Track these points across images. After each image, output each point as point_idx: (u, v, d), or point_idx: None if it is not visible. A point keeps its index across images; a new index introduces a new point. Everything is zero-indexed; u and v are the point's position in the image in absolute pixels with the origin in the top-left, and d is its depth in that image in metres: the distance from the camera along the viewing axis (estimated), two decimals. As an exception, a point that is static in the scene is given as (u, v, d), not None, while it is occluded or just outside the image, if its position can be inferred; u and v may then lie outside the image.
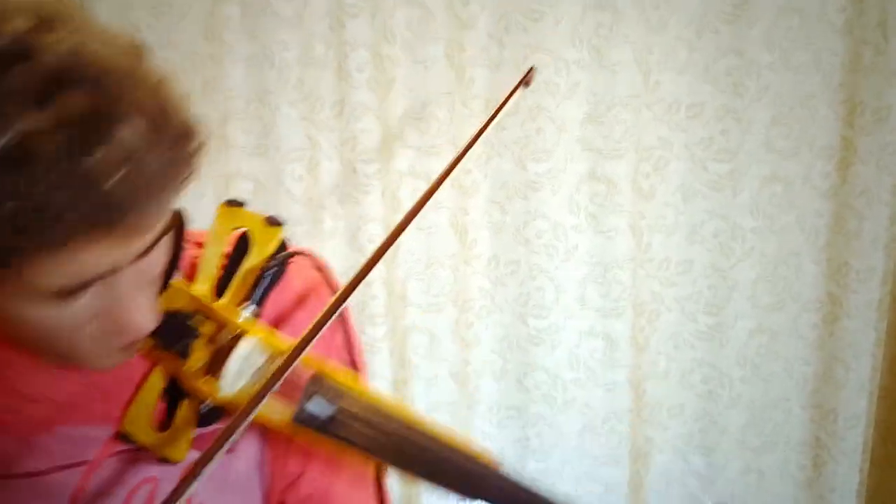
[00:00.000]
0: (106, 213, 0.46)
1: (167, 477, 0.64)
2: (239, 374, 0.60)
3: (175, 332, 0.61)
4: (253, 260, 0.62)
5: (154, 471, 0.64)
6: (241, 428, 0.52)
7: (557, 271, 1.25)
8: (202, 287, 0.61)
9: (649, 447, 1.29)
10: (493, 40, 1.16)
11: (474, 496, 0.59)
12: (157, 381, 0.63)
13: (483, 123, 0.63)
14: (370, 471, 0.71)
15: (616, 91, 1.19)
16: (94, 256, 0.49)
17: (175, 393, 0.62)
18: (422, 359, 1.29)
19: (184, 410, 0.62)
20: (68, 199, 0.45)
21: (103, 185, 0.45)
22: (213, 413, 0.61)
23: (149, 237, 0.52)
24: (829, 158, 1.26)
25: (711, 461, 1.30)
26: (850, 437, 1.30)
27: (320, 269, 0.67)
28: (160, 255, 0.57)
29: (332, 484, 0.67)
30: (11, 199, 0.44)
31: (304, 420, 0.59)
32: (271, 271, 0.62)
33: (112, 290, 0.54)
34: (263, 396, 0.53)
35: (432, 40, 1.16)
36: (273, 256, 0.62)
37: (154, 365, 0.63)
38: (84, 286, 0.52)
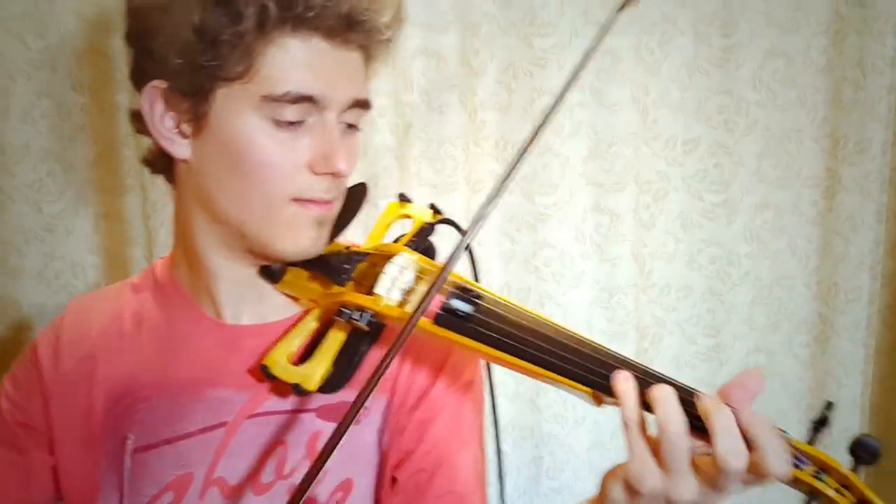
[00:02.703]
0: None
1: (295, 442, 0.71)
2: (392, 285, 0.68)
3: (335, 264, 0.72)
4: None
5: (285, 435, 0.71)
6: (406, 334, 0.55)
7: (565, 297, 1.32)
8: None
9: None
10: (502, 86, 1.25)
11: (607, 389, 0.59)
12: (310, 321, 0.73)
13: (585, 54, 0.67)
14: (477, 449, 0.74)
15: (616, 129, 1.28)
16: (307, 64, 0.65)
17: (321, 335, 0.71)
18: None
19: (328, 342, 0.70)
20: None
21: None
22: (358, 339, 0.70)
23: (348, 92, 0.69)
24: (815, 187, 1.35)
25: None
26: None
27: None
28: (355, 144, 0.74)
29: (442, 459, 0.71)
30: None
31: (448, 316, 0.64)
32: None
33: (324, 130, 0.69)
34: (429, 297, 0.58)
35: (447, 87, 1.25)
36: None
37: (307, 312, 0.73)
38: (303, 99, 0.66)
